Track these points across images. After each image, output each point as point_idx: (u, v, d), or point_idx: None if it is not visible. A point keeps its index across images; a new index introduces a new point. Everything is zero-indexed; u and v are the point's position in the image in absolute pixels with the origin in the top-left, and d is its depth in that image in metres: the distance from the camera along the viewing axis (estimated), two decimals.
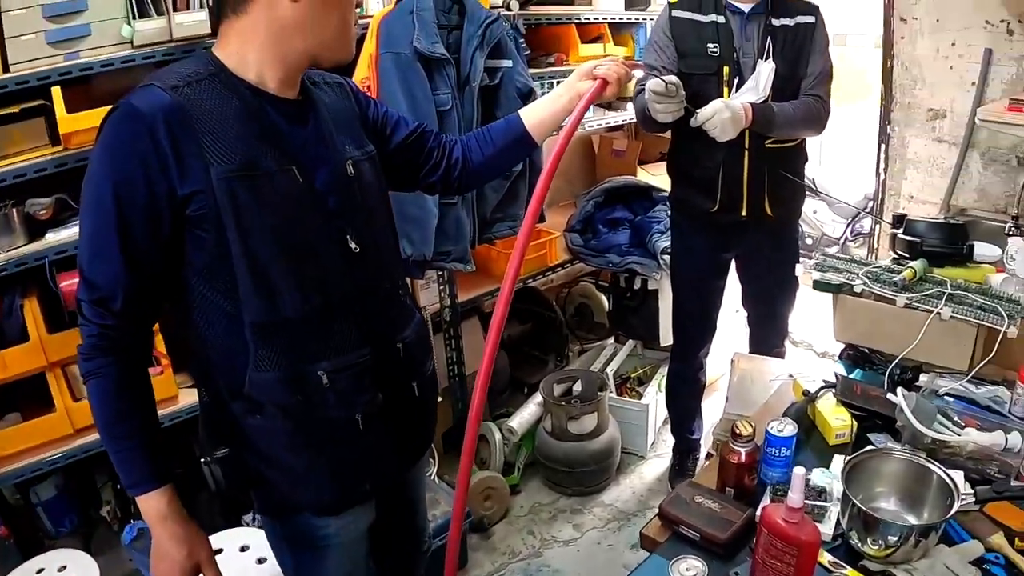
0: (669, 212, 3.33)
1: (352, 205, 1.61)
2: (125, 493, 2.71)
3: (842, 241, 5.38)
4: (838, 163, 5.91)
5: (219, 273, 1.46)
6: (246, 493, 1.65)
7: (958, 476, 1.77)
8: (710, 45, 2.71)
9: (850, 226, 5.42)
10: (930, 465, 1.75)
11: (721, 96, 2.61)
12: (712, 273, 3.14)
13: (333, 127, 1.61)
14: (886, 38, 3.80)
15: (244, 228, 1.43)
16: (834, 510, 1.75)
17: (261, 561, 2.29)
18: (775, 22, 2.72)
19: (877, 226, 4.10)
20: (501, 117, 3.06)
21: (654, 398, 3.82)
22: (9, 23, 2.25)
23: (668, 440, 3.79)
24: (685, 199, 3.01)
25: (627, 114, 4.19)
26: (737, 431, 1.82)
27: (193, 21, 2.43)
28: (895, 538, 1.58)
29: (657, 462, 3.80)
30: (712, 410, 3.63)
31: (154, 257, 1.42)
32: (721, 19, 2.73)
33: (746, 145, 2.72)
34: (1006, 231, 3.06)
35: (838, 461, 1.94)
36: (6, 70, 2.28)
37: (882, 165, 3.98)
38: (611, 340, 4.37)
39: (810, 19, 2.76)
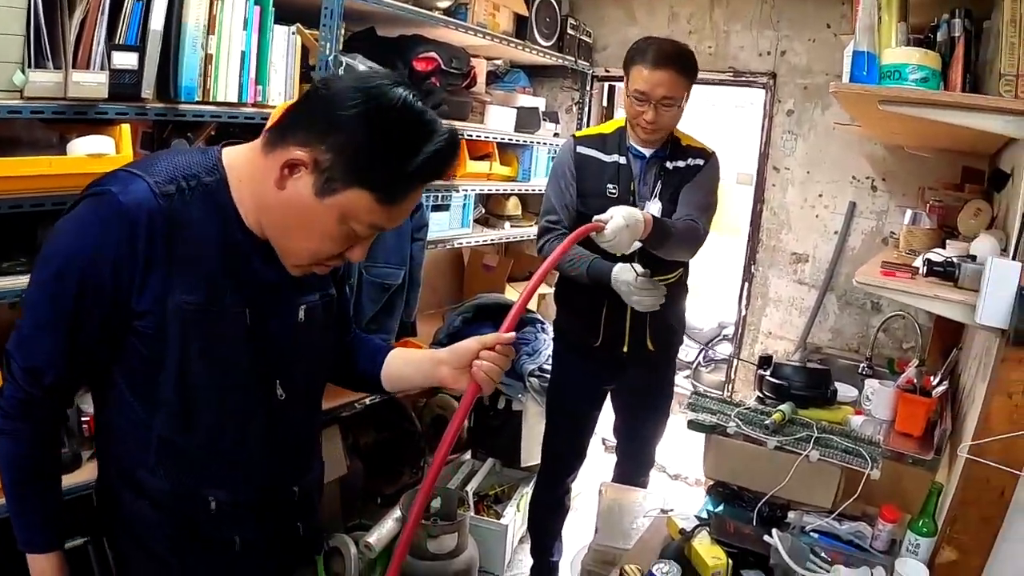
0: (552, 339, 3.35)
1: (292, 354, 1.58)
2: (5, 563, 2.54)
3: (695, 366, 5.54)
4: (694, 290, 6.08)
5: (143, 382, 1.44)
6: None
7: None
8: (609, 185, 2.79)
9: (703, 352, 5.60)
10: None
11: None
12: (589, 403, 3.18)
13: None
14: (758, 184, 4.02)
15: (183, 359, 1.41)
16: None
17: None
18: (670, 165, 2.84)
19: (736, 360, 4.25)
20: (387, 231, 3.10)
21: (513, 518, 3.77)
22: None
23: (526, 560, 3.75)
24: (569, 330, 3.05)
25: (501, 232, 4.24)
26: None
27: (92, 82, 2.25)
28: None
29: None
30: (571, 533, 3.60)
31: (93, 349, 1.41)
32: (623, 160, 2.83)
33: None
34: (860, 371, 3.23)
35: None
36: None
37: (744, 301, 4.15)
38: (468, 455, 4.31)
39: (700, 161, 2.88)
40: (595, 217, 2.36)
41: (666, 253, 2.69)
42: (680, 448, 4.51)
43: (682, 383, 3.43)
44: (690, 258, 2.87)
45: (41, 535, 1.49)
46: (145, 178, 1.34)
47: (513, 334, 1.63)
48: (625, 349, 2.91)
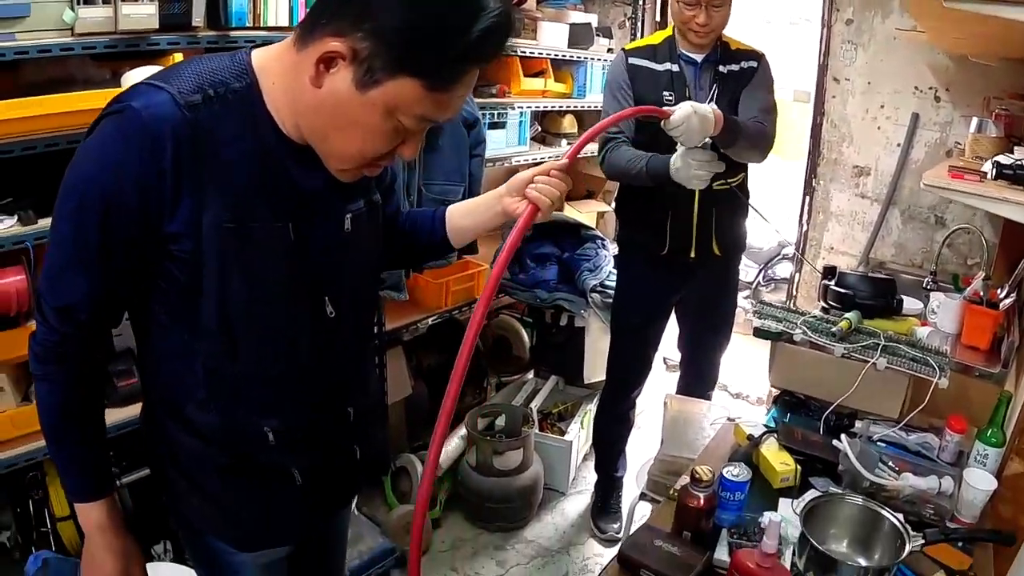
0: (616, 253, 3.35)
1: (340, 267, 1.48)
2: (27, 518, 2.57)
3: (754, 286, 5.52)
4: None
5: (184, 310, 1.35)
6: (161, 516, 1.57)
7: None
8: (665, 93, 2.76)
9: (762, 272, 5.56)
10: (881, 510, 1.81)
11: (674, 144, 2.64)
12: (656, 315, 3.19)
13: None
14: (818, 96, 3.94)
15: (223, 282, 1.31)
16: (787, 553, 1.78)
17: None
18: (723, 69, 2.81)
19: (798, 273, 4.22)
20: (444, 145, 3.10)
21: (577, 435, 3.82)
22: None
23: (589, 477, 3.82)
24: (635, 241, 3.05)
25: (558, 150, 4.23)
26: (697, 476, 1.83)
27: (141, 14, 2.26)
28: None
29: (578, 499, 3.81)
30: (634, 449, 3.66)
31: (127, 280, 1.32)
32: (675, 67, 2.79)
33: (696, 190, 2.75)
34: (924, 286, 3.20)
35: (784, 504, 1.99)
36: None
37: (806, 216, 4.11)
38: (530, 374, 4.37)
39: (753, 63, 2.85)
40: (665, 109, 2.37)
41: (736, 153, 2.68)
42: (742, 367, 4.55)
43: (742, 303, 3.42)
44: (760, 159, 2.83)
45: (88, 483, 1.43)
46: (167, 89, 1.22)
47: (568, 161, 1.63)
48: (693, 255, 2.91)
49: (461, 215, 1.76)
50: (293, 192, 1.36)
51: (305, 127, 1.31)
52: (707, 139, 2.49)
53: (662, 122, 2.38)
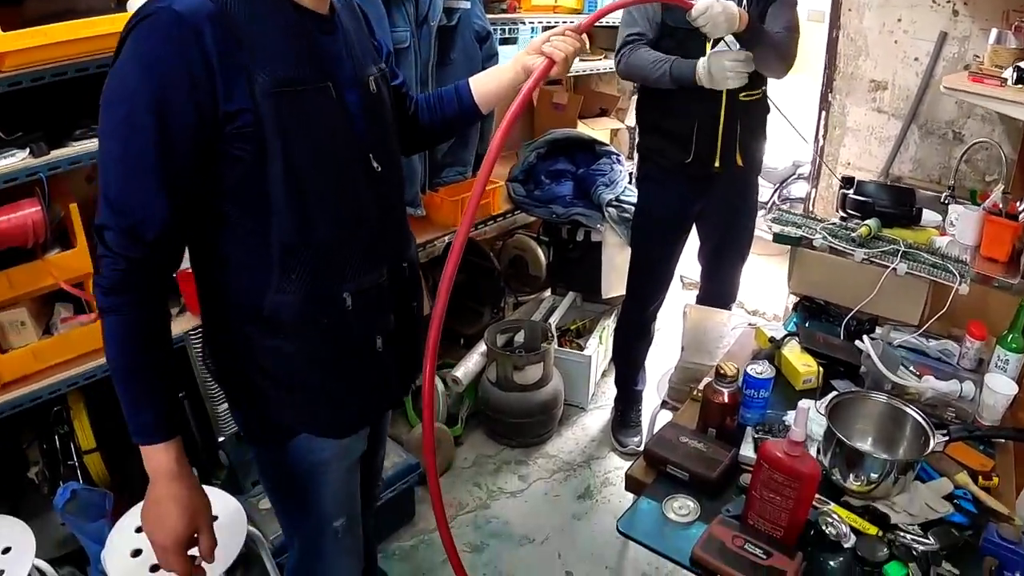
0: (636, 163, 3.33)
1: (376, 124, 1.57)
2: (53, 453, 2.58)
3: (769, 205, 5.49)
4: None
5: (250, 192, 1.37)
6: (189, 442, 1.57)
7: None
8: None
9: (777, 191, 5.53)
10: (906, 408, 1.83)
11: (704, 51, 2.63)
12: (679, 224, 3.17)
13: (354, 39, 1.56)
14: (833, 9, 3.88)
15: (287, 146, 1.35)
16: (811, 451, 1.81)
17: None
18: None
19: (814, 189, 4.21)
20: (457, 59, 3.08)
21: (596, 350, 3.85)
22: None
23: (608, 392, 3.87)
24: (659, 150, 3.01)
25: (577, 66, 4.18)
26: (722, 372, 1.86)
27: None
28: (876, 474, 1.66)
29: (598, 414, 3.86)
30: (653, 363, 3.70)
31: (193, 178, 1.32)
32: None
33: (723, 99, 2.75)
34: (942, 200, 3.19)
35: (809, 403, 2.01)
36: None
37: (821, 131, 4.07)
38: (548, 292, 4.38)
39: None
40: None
41: (760, 59, 2.65)
42: (758, 284, 4.56)
43: (757, 223, 3.41)
44: (783, 73, 2.79)
45: (157, 422, 1.39)
46: None
47: (582, 24, 1.79)
48: (717, 164, 2.89)
49: (484, 81, 1.90)
50: (323, 55, 1.45)
51: None
52: (731, 35, 2.50)
53: (686, 14, 2.37)
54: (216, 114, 1.28)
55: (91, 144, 2.21)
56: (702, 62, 2.58)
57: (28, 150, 2.16)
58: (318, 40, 1.44)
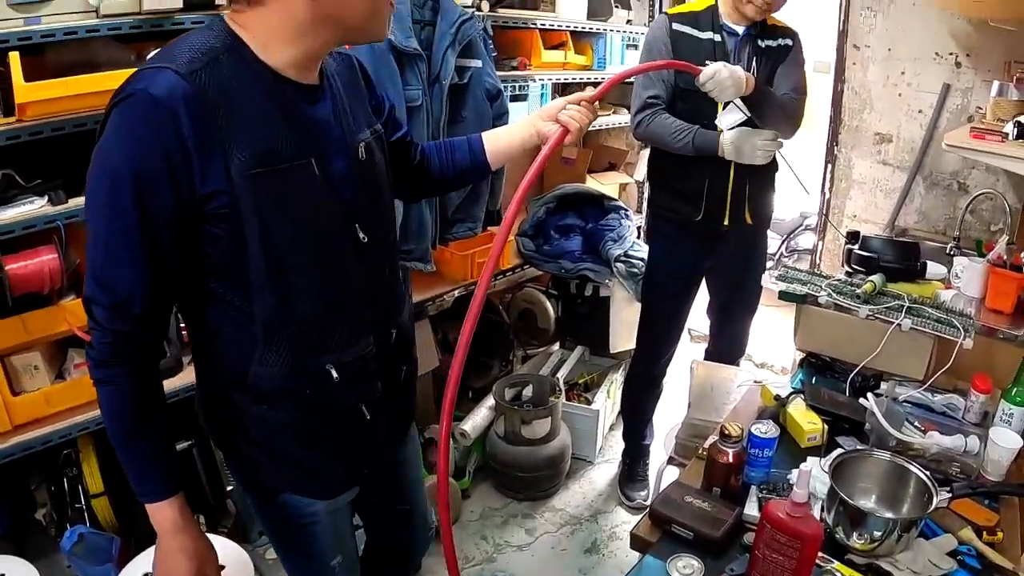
0: (647, 219, 3.39)
1: (363, 193, 1.56)
2: (61, 495, 2.62)
3: (777, 256, 5.53)
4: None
5: (232, 270, 1.40)
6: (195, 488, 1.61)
7: None
8: (707, 62, 2.78)
9: (785, 242, 5.57)
10: (909, 465, 1.84)
11: (715, 113, 2.70)
12: (689, 280, 3.22)
13: (347, 104, 1.56)
14: (838, 63, 3.94)
15: (264, 226, 1.36)
16: (815, 509, 1.81)
17: None
18: (761, 43, 2.85)
19: (821, 242, 4.23)
20: (468, 117, 3.13)
21: (603, 404, 3.86)
22: None
23: (616, 446, 3.87)
24: (670, 207, 3.06)
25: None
26: (727, 432, 1.87)
27: None
28: (880, 532, 1.66)
29: (606, 467, 3.86)
30: (661, 418, 3.70)
31: (173, 257, 1.35)
32: (718, 37, 2.82)
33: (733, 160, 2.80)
34: (948, 251, 3.21)
35: (811, 463, 2.02)
36: None
37: (827, 184, 4.11)
38: (556, 346, 4.41)
39: (788, 41, 2.90)
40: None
41: (767, 122, 2.71)
42: (766, 337, 4.57)
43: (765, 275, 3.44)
44: (789, 135, 2.86)
45: (159, 482, 1.45)
46: (168, 67, 1.27)
47: (596, 93, 1.82)
48: (726, 222, 2.94)
49: (497, 138, 1.92)
50: (307, 126, 1.44)
51: (331, 40, 1.43)
52: (738, 98, 2.55)
53: (695, 79, 2.43)
54: (194, 195, 1.30)
55: None
56: (727, 137, 2.67)
57: (47, 198, 2.22)
58: (302, 111, 1.44)
